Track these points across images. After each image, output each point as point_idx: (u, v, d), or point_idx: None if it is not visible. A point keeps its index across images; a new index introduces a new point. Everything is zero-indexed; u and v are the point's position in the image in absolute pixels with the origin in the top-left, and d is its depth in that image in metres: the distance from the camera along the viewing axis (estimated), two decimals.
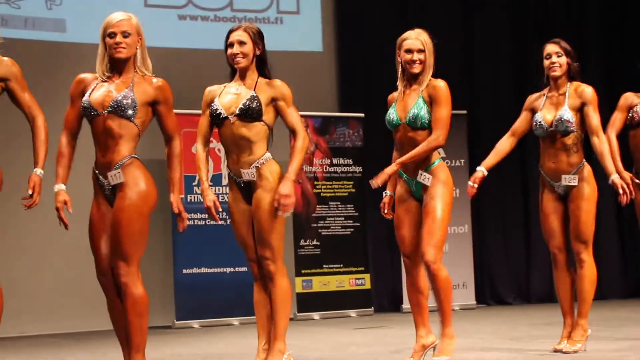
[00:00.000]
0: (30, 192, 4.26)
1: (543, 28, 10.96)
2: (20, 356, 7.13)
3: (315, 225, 9.52)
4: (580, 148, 5.56)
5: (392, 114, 5.14)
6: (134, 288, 4.25)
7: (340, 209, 9.65)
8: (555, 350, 5.61)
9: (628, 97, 6.16)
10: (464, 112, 10.17)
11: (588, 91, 5.55)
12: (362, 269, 9.70)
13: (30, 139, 4.39)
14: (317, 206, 9.54)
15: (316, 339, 7.36)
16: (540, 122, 5.53)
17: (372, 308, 9.76)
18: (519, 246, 10.97)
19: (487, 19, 11.03)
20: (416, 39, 5.06)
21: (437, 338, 5.17)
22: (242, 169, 4.80)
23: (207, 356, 6.54)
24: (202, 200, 8.82)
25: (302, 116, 5.10)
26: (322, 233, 9.55)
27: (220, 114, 4.82)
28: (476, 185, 5.54)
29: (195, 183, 9.01)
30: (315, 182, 9.52)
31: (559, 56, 5.56)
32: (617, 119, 6.05)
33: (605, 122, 5.81)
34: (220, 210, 4.84)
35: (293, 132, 4.88)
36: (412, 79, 5.11)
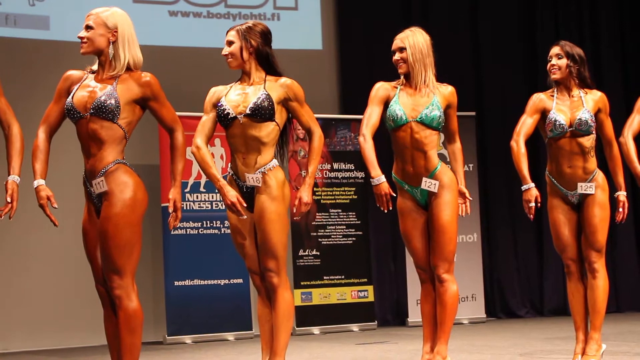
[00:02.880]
0: (9, 199, 4.23)
1: (554, 26, 11.01)
2: None
3: (314, 234, 9.52)
4: (595, 153, 5.58)
5: (399, 110, 5.15)
6: (128, 301, 4.23)
7: (341, 216, 9.65)
8: None
9: None
10: (473, 113, 10.19)
11: (603, 97, 5.62)
12: (365, 280, 9.70)
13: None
14: (317, 214, 9.54)
15: (316, 354, 7.36)
16: (560, 122, 5.51)
17: (376, 322, 9.76)
18: (531, 256, 10.97)
19: (495, 18, 11.05)
20: (399, 38, 5.23)
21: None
22: (247, 173, 4.81)
23: None
24: (194, 208, 9.00)
25: None
26: (322, 242, 9.55)
27: (228, 114, 4.81)
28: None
29: (188, 190, 9.01)
30: (315, 189, 9.51)
31: (559, 58, 5.58)
32: (636, 122, 6.00)
33: (620, 126, 5.82)
34: (245, 205, 4.77)
35: (309, 132, 4.93)
36: (409, 79, 5.20)
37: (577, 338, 5.64)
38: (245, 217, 4.78)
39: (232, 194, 4.72)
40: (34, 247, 9.14)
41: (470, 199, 5.36)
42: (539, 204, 5.49)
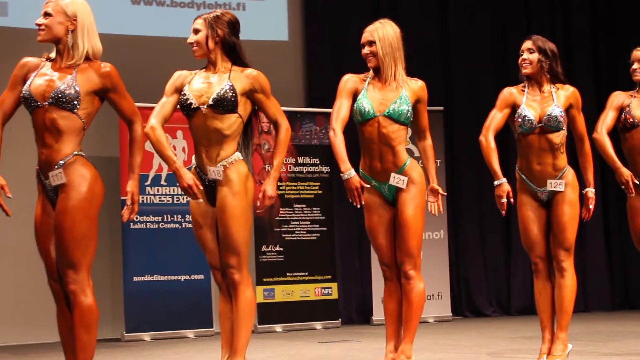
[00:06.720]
0: None
1: (525, 21, 11.09)
2: None
3: (278, 229, 9.51)
4: (565, 150, 5.60)
5: (366, 104, 5.15)
6: (83, 297, 4.22)
7: (305, 212, 9.65)
8: None
9: (619, 96, 6.10)
10: (441, 108, 10.21)
11: (575, 92, 5.63)
12: (329, 277, 9.70)
13: None
14: (281, 209, 9.53)
15: (278, 353, 7.36)
16: (529, 117, 5.52)
17: (340, 320, 9.76)
18: (498, 254, 11.03)
19: (464, 11, 11.09)
20: (368, 31, 5.21)
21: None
22: (209, 165, 4.79)
23: None
24: (154, 201, 8.96)
25: None
26: (286, 238, 9.54)
27: (191, 104, 4.80)
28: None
29: (149, 183, 8.97)
30: (279, 183, 9.49)
31: (530, 52, 5.60)
32: (610, 118, 6.02)
33: (592, 122, 5.85)
34: (202, 188, 4.77)
35: (275, 124, 4.93)
36: (379, 73, 5.19)
37: (543, 337, 5.67)
38: (201, 200, 4.78)
39: (188, 177, 4.71)
40: None
41: (445, 194, 5.38)
42: (511, 200, 5.51)
